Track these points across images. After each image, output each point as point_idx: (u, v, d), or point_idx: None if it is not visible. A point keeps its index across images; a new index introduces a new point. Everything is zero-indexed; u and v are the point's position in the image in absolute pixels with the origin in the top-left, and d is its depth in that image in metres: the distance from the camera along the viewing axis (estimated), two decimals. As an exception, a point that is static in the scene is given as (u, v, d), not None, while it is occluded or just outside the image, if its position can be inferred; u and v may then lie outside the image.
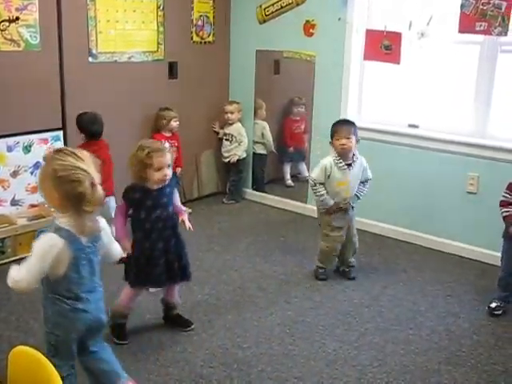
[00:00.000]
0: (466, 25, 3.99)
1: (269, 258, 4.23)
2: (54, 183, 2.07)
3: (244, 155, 5.45)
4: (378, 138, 4.61)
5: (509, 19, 3.82)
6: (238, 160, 5.43)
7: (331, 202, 3.76)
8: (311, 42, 4.87)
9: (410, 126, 4.54)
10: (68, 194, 2.06)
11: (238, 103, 5.39)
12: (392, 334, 3.24)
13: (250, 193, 5.62)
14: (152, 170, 2.93)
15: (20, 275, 2.11)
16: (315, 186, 3.76)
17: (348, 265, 3.97)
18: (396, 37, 4.36)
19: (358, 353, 3.05)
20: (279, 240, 4.58)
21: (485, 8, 3.88)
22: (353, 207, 3.86)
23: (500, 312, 3.48)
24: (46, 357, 1.85)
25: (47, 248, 2.10)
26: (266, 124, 5.46)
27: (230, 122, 5.37)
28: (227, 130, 5.42)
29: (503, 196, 3.47)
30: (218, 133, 5.51)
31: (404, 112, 4.63)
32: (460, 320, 3.43)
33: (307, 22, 4.85)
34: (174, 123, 4.86)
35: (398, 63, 4.39)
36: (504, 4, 3.81)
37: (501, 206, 3.45)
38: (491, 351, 3.11)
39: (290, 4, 4.94)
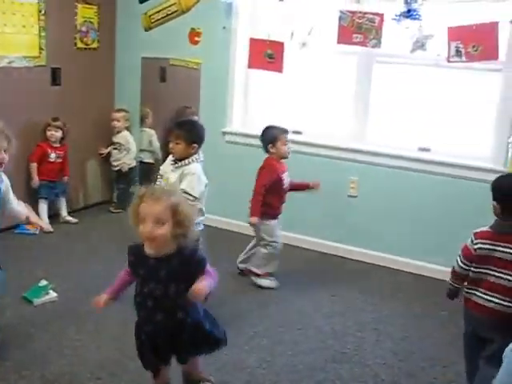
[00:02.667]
0: (344, 36, 4.18)
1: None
2: None
3: (134, 163, 5.39)
4: (261, 145, 4.69)
5: (382, 32, 4.05)
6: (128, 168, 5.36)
7: None
8: (197, 49, 4.90)
9: (295, 132, 4.65)
10: None
11: (125, 111, 5.30)
12: (280, 336, 3.32)
13: (139, 201, 5.52)
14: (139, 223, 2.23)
15: None
16: None
17: None
18: (279, 46, 4.48)
19: (248, 355, 3.10)
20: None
21: (360, 21, 4.09)
22: None
23: None
24: None
25: None
26: (153, 132, 5.40)
27: (117, 129, 5.29)
28: (115, 139, 5.33)
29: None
30: (103, 153, 5.41)
31: (288, 119, 4.73)
32: (344, 318, 3.57)
33: (192, 29, 4.88)
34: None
35: (281, 72, 4.52)
36: (377, 18, 4.04)
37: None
38: (373, 347, 3.27)
39: (175, 12, 4.94)
